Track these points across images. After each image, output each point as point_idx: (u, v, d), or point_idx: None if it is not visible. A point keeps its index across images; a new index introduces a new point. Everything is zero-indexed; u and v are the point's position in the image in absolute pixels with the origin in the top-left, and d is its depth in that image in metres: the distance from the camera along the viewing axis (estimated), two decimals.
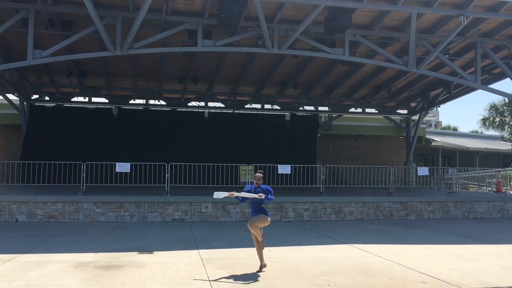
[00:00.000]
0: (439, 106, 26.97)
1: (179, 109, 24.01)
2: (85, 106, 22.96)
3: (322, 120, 26.64)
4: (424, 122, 29.39)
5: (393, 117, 26.66)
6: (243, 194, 7.79)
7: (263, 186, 8.00)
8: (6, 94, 21.13)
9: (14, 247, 9.66)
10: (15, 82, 20.34)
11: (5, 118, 23.24)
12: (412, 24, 13.72)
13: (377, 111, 25.66)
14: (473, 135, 41.08)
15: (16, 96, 21.77)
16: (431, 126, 57.31)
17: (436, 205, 16.64)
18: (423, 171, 19.40)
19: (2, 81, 19.39)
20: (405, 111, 26.16)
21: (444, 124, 73.74)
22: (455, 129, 60.62)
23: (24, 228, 12.57)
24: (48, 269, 7.73)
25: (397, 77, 21.09)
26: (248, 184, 8.19)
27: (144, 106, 23.68)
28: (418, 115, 25.30)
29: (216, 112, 24.42)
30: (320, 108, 25.12)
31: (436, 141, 30.47)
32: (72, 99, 22.89)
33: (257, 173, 8.14)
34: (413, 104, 25.64)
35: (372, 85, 22.53)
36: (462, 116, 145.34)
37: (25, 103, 21.96)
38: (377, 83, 22.34)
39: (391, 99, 24.91)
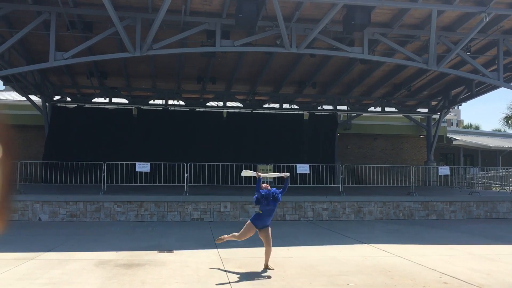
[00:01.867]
0: (461, 105, 26.60)
1: (197, 109, 24.15)
2: (106, 106, 23.27)
3: (341, 119, 26.49)
4: (445, 120, 29.01)
5: (413, 116, 26.35)
6: (265, 178, 7.80)
7: (273, 189, 7.96)
8: (29, 96, 21.54)
9: (37, 246, 9.84)
10: (38, 84, 20.72)
11: (28, 119, 23.69)
12: (433, 22, 13.54)
13: (396, 110, 25.39)
14: (496, 133, 40.34)
15: (38, 97, 22.17)
16: (452, 125, 56.51)
17: (457, 205, 16.40)
18: (444, 170, 19.12)
19: (25, 83, 19.78)
20: (425, 110, 25.83)
21: (465, 122, 72.63)
22: (477, 127, 59.65)
23: (47, 227, 12.80)
24: (70, 267, 7.85)
25: (417, 75, 20.84)
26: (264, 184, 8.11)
27: (163, 106, 23.89)
28: (439, 113, 24.96)
29: (234, 112, 24.48)
30: (338, 107, 24.99)
31: (458, 140, 30.02)
32: (93, 100, 23.22)
33: (264, 184, 8.07)
34: (433, 103, 25.31)
35: (392, 83, 22.31)
36: (484, 115, 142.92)
37: (47, 104, 22.35)
38: (397, 82, 22.12)
39: (411, 97, 24.63)
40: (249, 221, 7.92)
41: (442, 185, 21.71)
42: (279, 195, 7.91)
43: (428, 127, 25.86)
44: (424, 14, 14.10)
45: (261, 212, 7.84)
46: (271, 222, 8.05)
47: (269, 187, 7.98)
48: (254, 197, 7.96)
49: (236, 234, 8.03)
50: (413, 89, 22.87)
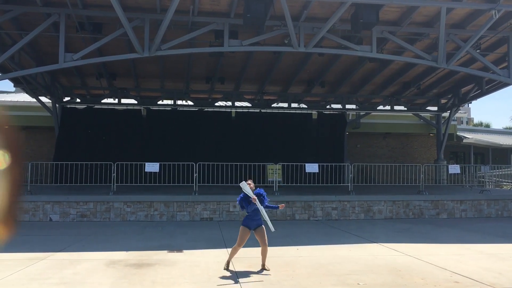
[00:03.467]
0: (471, 102, 26.31)
1: (206, 109, 24.19)
2: (115, 107, 23.39)
3: (350, 118, 26.38)
4: (455, 118, 28.78)
5: (423, 114, 26.17)
6: (260, 207, 7.75)
7: (258, 190, 7.94)
8: (39, 97, 21.71)
9: (48, 246, 9.92)
10: (48, 85, 20.88)
11: (38, 120, 23.88)
12: (442, 19, 13.45)
13: (406, 108, 25.24)
14: (507, 131, 39.98)
15: (48, 99, 22.33)
16: (462, 123, 56.04)
17: (468, 204, 16.28)
18: (454, 168, 18.98)
19: (35, 84, 19.94)
20: (435, 108, 25.64)
21: (476, 120, 72.07)
22: (487, 125, 59.17)
23: (58, 227, 12.90)
24: (81, 267, 7.91)
25: (426, 73, 20.70)
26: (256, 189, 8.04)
27: (172, 107, 23.95)
28: (449, 111, 24.76)
29: (243, 111, 24.48)
30: (347, 106, 24.89)
31: (468, 138, 29.79)
32: (102, 101, 23.34)
33: (250, 182, 8.01)
34: (443, 101, 25.12)
35: (401, 82, 22.19)
36: (494, 112, 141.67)
37: (57, 105, 22.51)
38: (406, 80, 21.99)
39: (420, 96, 24.47)
40: (241, 225, 7.89)
41: (452, 184, 21.54)
42: (265, 198, 7.88)
43: (437, 125, 25.67)
44: (433, 11, 14.00)
45: (247, 213, 7.84)
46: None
47: (252, 186, 7.91)
48: (237, 201, 8.00)
49: (235, 245, 7.93)
50: (423, 87, 22.73)
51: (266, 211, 7.84)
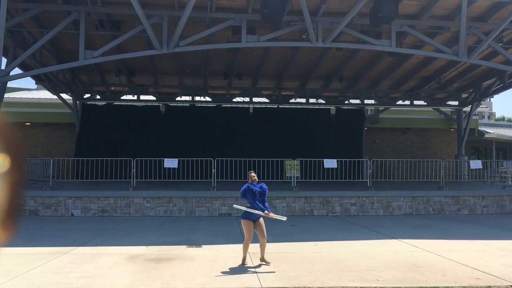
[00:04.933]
0: (492, 97, 25.91)
1: (224, 105, 24.26)
2: (134, 103, 23.62)
3: (369, 113, 26.16)
4: (477, 113, 28.32)
5: (443, 109, 25.79)
6: (253, 211, 7.86)
7: (261, 184, 8.14)
8: (60, 94, 22.04)
9: (70, 240, 10.10)
10: (68, 82, 21.18)
11: (59, 117, 24.26)
12: (463, 12, 13.22)
13: (426, 103, 24.91)
14: None
15: (69, 96, 22.66)
16: (484, 118, 55.14)
17: (490, 200, 16.03)
18: (476, 164, 18.68)
19: (56, 82, 20.26)
20: (456, 103, 25.24)
21: (498, 115, 70.77)
22: (510, 120, 58.05)
23: (79, 222, 13.11)
24: (102, 261, 8.04)
25: (447, 67, 20.39)
26: (255, 185, 8.11)
27: (190, 103, 24.08)
28: (470, 106, 24.35)
29: (261, 107, 24.48)
30: (366, 101, 24.68)
31: (490, 133, 29.26)
32: (122, 97, 23.59)
33: (251, 173, 8.23)
34: (464, 95, 24.72)
35: (421, 76, 21.90)
36: None
37: (77, 102, 22.83)
38: (426, 74, 21.70)
39: (441, 90, 24.12)
40: (241, 220, 7.98)
41: (473, 180, 21.22)
42: (265, 193, 8.07)
43: (458, 120, 25.28)
44: (453, 4, 13.77)
45: (248, 205, 7.93)
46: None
47: (255, 177, 8.09)
48: (240, 192, 8.12)
49: (244, 241, 7.99)
50: (443, 82, 22.39)
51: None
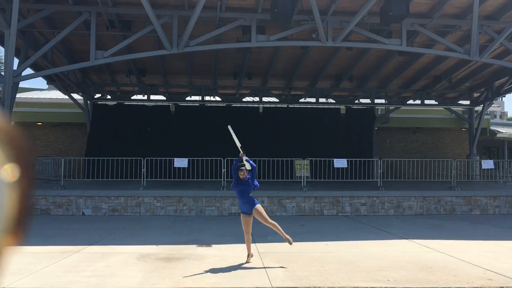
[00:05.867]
0: (505, 96, 25.66)
1: (234, 105, 24.28)
2: (144, 103, 23.73)
3: (379, 113, 26.03)
4: (488, 113, 27.99)
5: (455, 108, 25.58)
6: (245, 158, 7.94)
7: (248, 176, 8.00)
8: (71, 94, 22.21)
9: (81, 239, 10.17)
10: (79, 82, 21.34)
11: (70, 116, 24.45)
12: (475, 11, 13.10)
13: (437, 103, 24.71)
14: None
15: (80, 96, 22.82)
16: (495, 117, 54.60)
17: (502, 200, 15.87)
18: (487, 164, 18.48)
19: (67, 82, 20.41)
20: (467, 102, 25.02)
21: (510, 114, 70.04)
22: None
23: (90, 221, 13.19)
24: (113, 260, 8.08)
25: (458, 66, 20.22)
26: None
27: (200, 103, 24.13)
28: (482, 105, 24.13)
29: (270, 107, 24.46)
30: (376, 101, 24.55)
31: (502, 132, 28.96)
32: (132, 97, 23.71)
33: (242, 168, 8.08)
34: (476, 94, 24.50)
35: (432, 75, 21.74)
36: None
37: (88, 102, 22.98)
38: (437, 73, 21.53)
39: (452, 89, 23.92)
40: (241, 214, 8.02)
41: (485, 180, 21.01)
42: (250, 178, 7.94)
43: (470, 119, 25.06)
44: (465, 3, 13.65)
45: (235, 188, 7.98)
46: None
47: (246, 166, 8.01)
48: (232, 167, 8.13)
49: (245, 237, 8.07)
50: (454, 81, 22.21)
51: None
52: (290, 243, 7.99)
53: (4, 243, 0.84)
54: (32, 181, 0.88)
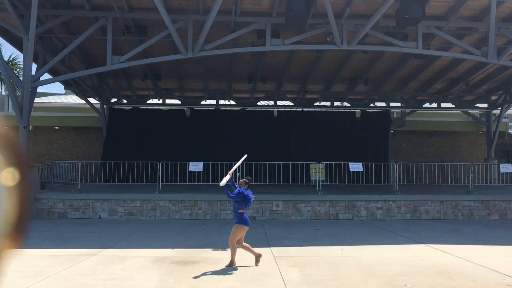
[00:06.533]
0: None
1: (248, 109, 24.31)
2: (160, 108, 23.89)
3: (395, 116, 25.82)
4: (507, 116, 27.51)
5: (472, 111, 25.26)
6: (226, 179, 8.04)
7: (245, 190, 8.11)
8: (88, 98, 22.47)
9: (98, 243, 10.25)
10: (96, 87, 21.58)
11: (87, 121, 24.72)
12: (492, 13, 12.94)
13: (454, 106, 24.42)
14: None
15: (96, 100, 23.07)
16: None
17: None
18: (506, 168, 18.17)
19: (84, 86, 20.67)
20: (485, 105, 24.69)
21: None
22: None
23: (107, 225, 13.30)
24: (129, 263, 8.13)
25: (475, 69, 19.98)
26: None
27: (215, 107, 24.21)
28: (500, 108, 23.79)
29: (285, 110, 24.44)
30: (392, 104, 24.36)
31: None
32: (148, 102, 23.90)
33: (242, 179, 8.38)
34: (493, 97, 24.17)
35: (448, 78, 21.52)
36: None
37: (105, 106, 23.22)
38: (454, 76, 21.30)
39: (469, 92, 23.64)
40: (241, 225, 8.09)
41: (504, 184, 20.67)
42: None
43: (488, 123, 24.71)
44: (482, 5, 13.50)
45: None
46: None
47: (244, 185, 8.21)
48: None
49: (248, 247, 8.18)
50: (471, 84, 21.95)
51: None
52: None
53: (3, 247, 0.84)
54: (30, 185, 0.88)
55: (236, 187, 8.14)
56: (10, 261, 0.85)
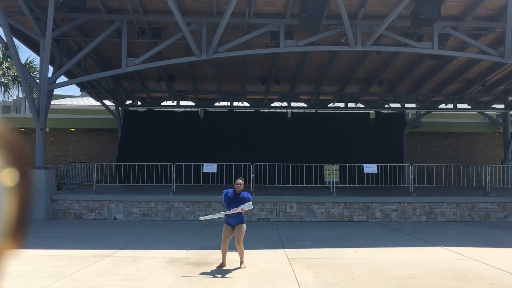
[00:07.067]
0: None
1: (262, 110, 24.34)
2: (174, 109, 24.03)
3: (409, 117, 25.61)
4: None
5: (488, 112, 24.94)
6: (221, 214, 8.34)
7: (243, 193, 8.27)
8: (103, 101, 22.70)
9: (113, 244, 10.33)
10: (111, 89, 21.80)
11: (102, 123, 24.97)
12: (509, 12, 12.77)
13: (470, 107, 24.14)
14: None
15: (111, 102, 23.30)
16: None
17: None
18: None
19: (100, 89, 20.89)
20: (502, 106, 24.37)
21: None
22: None
23: (122, 226, 13.40)
24: (144, 264, 8.18)
25: (492, 69, 19.73)
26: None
27: (228, 108, 24.29)
28: None
29: (299, 112, 24.41)
30: (407, 105, 24.17)
31: None
32: (162, 103, 24.06)
33: (238, 179, 8.40)
34: (510, 98, 23.85)
35: (464, 79, 21.28)
36: None
37: (120, 108, 23.44)
38: (470, 77, 21.06)
39: (485, 93, 23.35)
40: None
41: None
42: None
43: (505, 123, 24.39)
44: (498, 4, 13.34)
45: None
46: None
47: (242, 186, 8.41)
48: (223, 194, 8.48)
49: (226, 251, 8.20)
50: (488, 84, 21.68)
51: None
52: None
53: (3, 247, 0.85)
54: (30, 186, 0.89)
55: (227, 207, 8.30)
56: (9, 261, 0.86)
